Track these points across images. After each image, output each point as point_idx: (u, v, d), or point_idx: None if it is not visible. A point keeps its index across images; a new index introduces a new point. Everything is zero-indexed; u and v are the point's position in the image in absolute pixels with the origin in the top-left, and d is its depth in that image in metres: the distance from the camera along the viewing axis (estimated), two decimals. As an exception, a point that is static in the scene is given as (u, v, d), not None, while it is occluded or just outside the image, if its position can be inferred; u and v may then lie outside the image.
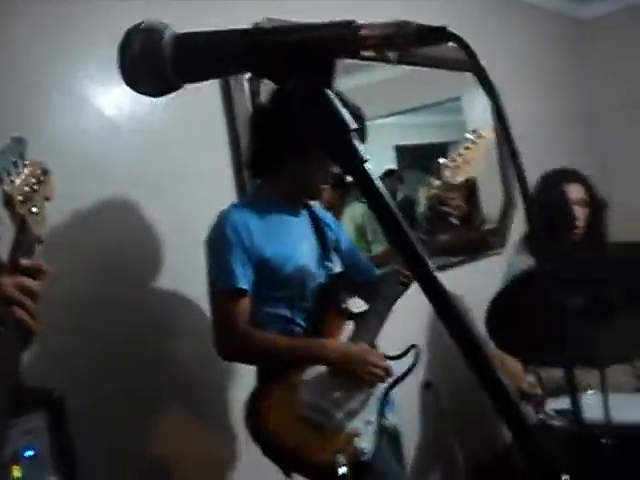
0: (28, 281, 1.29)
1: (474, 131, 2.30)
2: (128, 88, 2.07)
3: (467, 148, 2.25)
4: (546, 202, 3.20)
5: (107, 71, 2.36)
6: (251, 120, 2.34)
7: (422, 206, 2.25)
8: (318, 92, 0.63)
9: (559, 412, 2.63)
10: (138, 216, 2.40)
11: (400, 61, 3.47)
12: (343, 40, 0.63)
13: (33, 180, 1.44)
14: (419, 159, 4.20)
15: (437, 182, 2.23)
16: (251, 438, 2.10)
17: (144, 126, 2.45)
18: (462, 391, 3.55)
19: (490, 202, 4.25)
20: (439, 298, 0.63)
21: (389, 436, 2.27)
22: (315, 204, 2.44)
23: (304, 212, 2.36)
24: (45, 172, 1.50)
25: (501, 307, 2.23)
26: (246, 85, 2.78)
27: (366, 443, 2.08)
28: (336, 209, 3.33)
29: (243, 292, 2.10)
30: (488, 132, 2.30)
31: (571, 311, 2.18)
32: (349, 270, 2.41)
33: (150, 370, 2.36)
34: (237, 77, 2.70)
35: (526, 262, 3.23)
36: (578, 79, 5.43)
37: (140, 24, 0.67)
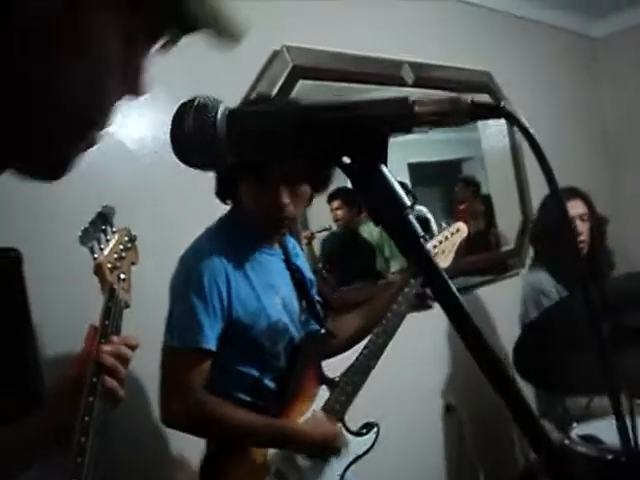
0: (123, 348, 1.30)
1: (451, 225, 2.47)
2: (143, 118, 2.05)
3: (446, 238, 2.40)
4: (549, 220, 3.33)
5: (125, 103, 2.38)
6: None
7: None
8: (373, 169, 0.63)
9: (584, 438, 2.61)
10: (161, 248, 2.37)
11: (416, 85, 3.49)
12: (398, 117, 0.63)
13: (121, 247, 1.46)
14: (433, 176, 4.20)
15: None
16: None
17: (165, 156, 2.45)
18: (484, 414, 3.55)
19: (507, 223, 4.25)
20: (460, 317, 0.62)
21: None
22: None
23: (277, 248, 2.14)
24: (132, 239, 1.52)
25: (531, 338, 2.29)
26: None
27: None
28: (352, 227, 3.35)
29: (208, 353, 1.86)
30: (463, 228, 2.47)
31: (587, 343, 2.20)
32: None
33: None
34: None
35: (546, 280, 3.27)
36: (592, 97, 5.43)
37: (194, 100, 0.67)
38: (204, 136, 0.66)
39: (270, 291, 2.02)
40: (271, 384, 2.03)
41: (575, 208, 3.40)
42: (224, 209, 2.09)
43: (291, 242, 2.25)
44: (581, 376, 2.43)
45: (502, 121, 2.74)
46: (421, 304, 2.24)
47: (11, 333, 1.25)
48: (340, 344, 2.28)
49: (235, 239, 1.98)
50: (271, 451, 1.97)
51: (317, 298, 2.29)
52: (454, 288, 0.64)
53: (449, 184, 4.36)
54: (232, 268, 1.92)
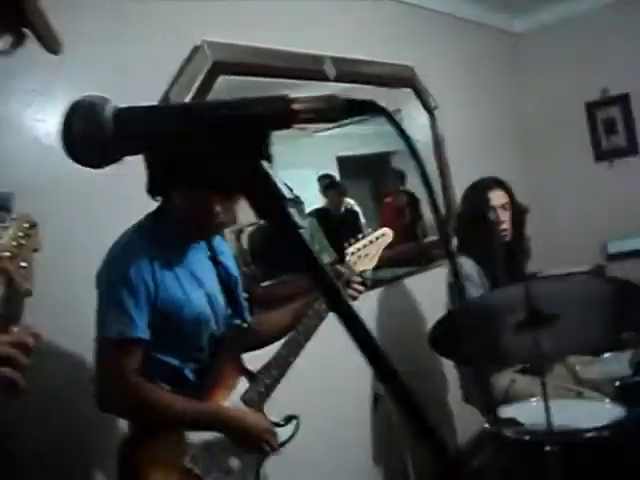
0: (26, 337, 1.27)
1: (376, 229, 2.55)
2: (60, 110, 2.04)
3: (371, 242, 2.47)
4: (472, 209, 3.46)
5: (40, 98, 2.35)
6: None
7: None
8: (254, 165, 0.66)
9: (504, 421, 2.70)
10: (73, 243, 2.34)
11: (338, 80, 3.53)
12: (276, 115, 0.66)
13: (20, 234, 1.43)
14: (361, 169, 4.26)
15: (342, 267, 2.36)
16: None
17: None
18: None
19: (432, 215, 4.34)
20: (336, 302, 0.66)
21: None
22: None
23: (203, 245, 2.19)
24: (32, 225, 1.49)
25: (448, 326, 2.40)
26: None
27: None
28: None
29: (140, 341, 1.92)
30: (389, 233, 2.54)
31: (513, 325, 2.33)
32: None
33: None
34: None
35: (469, 266, 3.39)
36: (514, 91, 5.59)
37: (82, 100, 0.69)
38: (92, 136, 0.67)
39: (195, 284, 2.08)
40: (191, 375, 2.08)
41: (498, 198, 3.50)
42: (147, 205, 2.10)
43: (217, 239, 2.28)
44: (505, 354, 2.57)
45: (427, 116, 2.85)
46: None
47: None
48: (264, 338, 2.33)
49: (162, 234, 2.03)
50: (190, 438, 2.00)
51: (243, 295, 2.34)
52: (331, 276, 0.68)
53: (377, 177, 4.43)
54: (158, 261, 1.98)
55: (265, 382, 2.14)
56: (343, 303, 0.69)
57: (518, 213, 3.57)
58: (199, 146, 0.68)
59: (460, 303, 3.17)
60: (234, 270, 2.32)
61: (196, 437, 2.01)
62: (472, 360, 2.70)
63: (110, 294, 1.94)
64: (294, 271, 3.25)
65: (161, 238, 2.03)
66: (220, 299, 2.18)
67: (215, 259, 2.21)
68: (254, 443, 2.07)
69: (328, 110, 0.67)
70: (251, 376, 2.16)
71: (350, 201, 4.13)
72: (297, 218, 0.67)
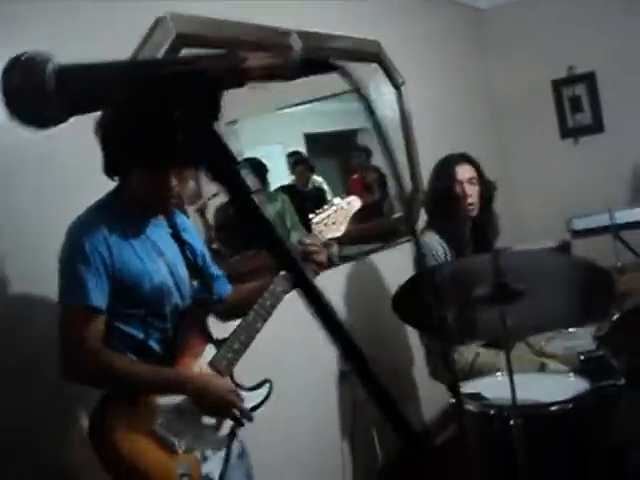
0: None
1: (344, 198, 2.52)
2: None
3: (336, 211, 2.44)
4: (439, 183, 3.47)
5: None
6: (98, 125, 2.01)
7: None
8: (204, 124, 0.63)
9: (469, 396, 2.72)
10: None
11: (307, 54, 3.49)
12: (229, 72, 0.63)
13: None
14: (329, 147, 4.24)
15: (307, 237, 2.35)
16: (95, 452, 1.99)
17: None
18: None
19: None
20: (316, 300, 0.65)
21: (238, 456, 2.23)
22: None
23: (162, 220, 2.22)
24: None
25: (412, 289, 2.40)
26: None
27: (213, 468, 2.08)
28: (258, 196, 3.36)
29: (96, 310, 1.96)
30: (357, 200, 2.52)
31: (479, 298, 2.33)
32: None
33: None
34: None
35: (436, 241, 3.40)
36: (480, 66, 5.59)
37: (22, 55, 0.65)
38: (31, 91, 0.64)
39: (154, 256, 2.12)
40: (156, 345, 2.11)
41: (464, 172, 3.50)
42: (101, 181, 2.10)
43: (180, 217, 2.32)
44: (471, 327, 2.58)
45: (394, 91, 2.84)
46: (308, 270, 2.29)
47: None
48: (233, 310, 2.35)
49: (120, 209, 2.08)
50: (159, 403, 2.03)
51: (217, 267, 2.41)
52: (290, 249, 0.66)
53: (345, 154, 4.41)
54: (115, 234, 2.02)
55: (232, 348, 2.15)
56: (304, 278, 0.67)
57: (486, 189, 3.57)
58: (147, 103, 0.64)
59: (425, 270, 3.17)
60: (199, 245, 2.35)
61: (167, 402, 2.03)
62: (434, 329, 2.70)
63: (66, 266, 1.99)
64: (257, 246, 3.25)
65: (119, 213, 2.07)
66: (183, 273, 2.21)
67: (177, 236, 2.24)
68: (217, 405, 2.07)
69: (283, 67, 0.64)
70: (218, 343, 2.18)
71: (318, 178, 4.12)
72: (248, 181, 0.65)
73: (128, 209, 2.09)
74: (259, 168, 3.41)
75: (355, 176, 4.49)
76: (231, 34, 3.07)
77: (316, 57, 0.64)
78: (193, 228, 2.41)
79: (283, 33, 3.41)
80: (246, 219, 0.65)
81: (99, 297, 1.96)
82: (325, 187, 4.15)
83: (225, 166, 0.63)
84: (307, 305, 0.67)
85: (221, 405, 2.07)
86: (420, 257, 3.43)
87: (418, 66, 4.52)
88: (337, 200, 2.49)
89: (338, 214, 2.43)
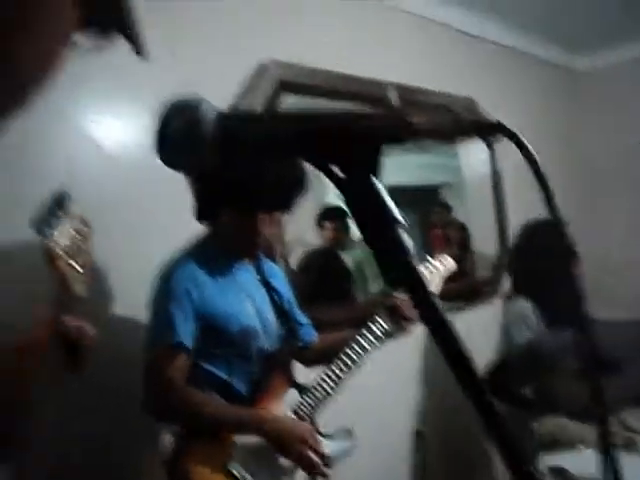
0: (85, 325, 1.25)
1: (439, 257, 2.54)
2: (125, 120, 2.07)
3: (431, 272, 2.46)
4: (550, 248, 3.30)
5: (103, 102, 2.35)
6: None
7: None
8: (365, 181, 0.60)
9: (552, 470, 2.60)
10: (129, 248, 2.32)
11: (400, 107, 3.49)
12: (396, 128, 0.61)
13: (75, 235, 1.39)
14: (410, 200, 4.20)
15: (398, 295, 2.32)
16: None
17: (142, 161, 2.40)
18: (453, 441, 3.53)
19: (484, 250, 4.25)
20: (443, 334, 0.60)
21: None
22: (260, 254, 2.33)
23: (250, 266, 2.27)
24: (87, 225, 1.45)
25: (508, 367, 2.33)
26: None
27: None
28: (339, 247, 3.37)
29: (184, 348, 2.00)
30: (452, 262, 2.54)
31: (570, 369, 2.25)
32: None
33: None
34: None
35: (528, 309, 3.27)
36: (574, 129, 5.49)
37: (180, 100, 0.64)
38: (189, 137, 0.62)
39: (242, 298, 2.16)
40: (240, 386, 2.14)
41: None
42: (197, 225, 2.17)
43: (267, 263, 2.37)
44: (559, 399, 2.47)
45: (484, 148, 2.80)
46: (398, 328, 2.32)
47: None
48: (317, 357, 2.37)
49: (209, 254, 2.14)
50: (236, 441, 2.04)
51: (302, 319, 2.44)
52: (441, 306, 0.62)
53: (426, 209, 4.37)
54: (204, 277, 2.07)
55: (316, 395, 2.16)
56: (450, 335, 0.62)
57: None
58: (304, 155, 0.62)
59: (514, 344, 3.08)
60: (286, 291, 2.38)
61: (245, 441, 2.04)
62: (523, 402, 2.61)
63: (157, 306, 2.04)
64: (336, 299, 3.25)
65: (209, 256, 2.13)
66: (270, 317, 2.24)
67: (265, 281, 2.28)
68: (294, 447, 2.04)
69: (451, 128, 0.61)
70: (301, 388, 2.19)
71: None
72: (407, 242, 0.63)
73: (218, 252, 2.14)
74: (342, 216, 3.40)
75: (437, 232, 4.43)
76: (331, 83, 3.09)
77: (485, 120, 0.62)
78: (281, 275, 2.44)
79: (380, 85, 3.42)
80: (406, 285, 0.62)
81: (187, 336, 2.00)
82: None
83: (384, 226, 0.60)
84: (437, 345, 0.63)
85: (298, 447, 2.04)
86: (508, 324, 3.34)
87: (510, 124, 4.46)
88: (432, 260, 2.48)
89: (434, 275, 2.42)
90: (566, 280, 3.16)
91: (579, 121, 5.55)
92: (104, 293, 2.28)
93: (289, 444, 2.03)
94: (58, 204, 1.37)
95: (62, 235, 1.35)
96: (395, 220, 0.60)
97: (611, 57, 5.40)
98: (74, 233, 1.39)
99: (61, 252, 1.32)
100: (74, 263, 1.35)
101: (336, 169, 0.61)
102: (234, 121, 0.64)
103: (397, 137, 0.61)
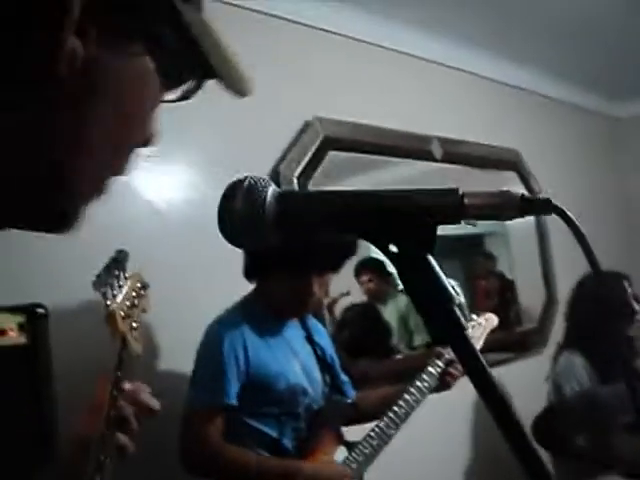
0: (143, 394, 1.26)
1: (481, 314, 2.58)
2: (176, 178, 2.12)
3: (474, 327, 2.48)
4: (606, 298, 3.25)
5: (154, 159, 2.41)
6: None
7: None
8: (420, 258, 0.63)
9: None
10: (178, 309, 2.35)
11: (444, 160, 3.52)
12: (447, 208, 0.63)
13: (133, 294, 1.43)
14: (452, 249, 4.18)
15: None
16: None
17: (191, 217, 2.46)
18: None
19: (530, 300, 4.21)
20: (498, 407, 0.61)
21: None
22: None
23: (296, 322, 2.31)
24: (144, 286, 1.49)
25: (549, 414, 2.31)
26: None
27: None
28: (380, 299, 3.36)
29: (227, 407, 2.02)
30: (494, 318, 2.58)
31: (624, 426, 2.21)
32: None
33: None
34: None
35: (580, 363, 3.20)
36: (616, 177, 5.45)
37: (244, 179, 0.68)
38: (252, 217, 0.65)
39: (289, 356, 2.17)
40: (289, 444, 2.13)
41: (629, 289, 3.37)
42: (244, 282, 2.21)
43: (311, 320, 2.40)
44: (614, 453, 2.42)
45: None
46: (442, 384, 2.31)
47: (32, 389, 1.24)
48: (362, 415, 2.35)
49: (256, 312, 2.17)
50: None
51: (343, 377, 2.43)
52: (495, 382, 0.63)
53: (468, 258, 4.35)
54: (251, 335, 2.09)
55: (364, 452, 2.15)
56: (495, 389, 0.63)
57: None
58: (360, 234, 0.65)
59: (565, 395, 3.02)
60: (330, 349, 2.40)
61: None
62: (576, 451, 2.55)
63: (201, 367, 2.07)
64: (376, 354, 3.25)
65: (254, 315, 2.15)
66: (316, 374, 2.26)
67: (310, 338, 2.31)
68: None
69: (502, 207, 0.63)
70: (350, 446, 2.18)
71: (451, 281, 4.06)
72: (463, 320, 0.64)
73: (265, 311, 2.17)
74: (380, 267, 3.40)
75: (481, 281, 4.40)
76: (375, 139, 3.14)
77: (536, 197, 0.64)
78: (324, 332, 2.46)
79: (424, 139, 3.46)
80: (460, 359, 0.63)
81: (231, 394, 2.01)
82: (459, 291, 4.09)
83: (439, 304, 0.62)
84: (483, 401, 0.64)
85: None
86: (558, 376, 3.27)
87: (556, 175, 4.44)
88: (475, 316, 2.49)
89: (475, 330, 2.43)
90: (618, 335, 3.10)
91: (623, 167, 5.51)
92: (154, 350, 2.32)
93: None
94: (117, 265, 1.41)
95: (122, 296, 1.38)
96: (450, 298, 0.62)
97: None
98: (133, 293, 1.42)
99: (122, 313, 1.35)
100: (134, 323, 1.39)
101: (391, 245, 0.63)
102: (294, 200, 0.67)
103: (450, 217, 0.63)
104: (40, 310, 1.44)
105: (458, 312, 0.62)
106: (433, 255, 0.63)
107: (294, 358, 2.19)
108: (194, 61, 0.59)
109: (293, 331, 2.27)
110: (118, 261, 1.43)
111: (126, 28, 0.54)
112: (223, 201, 0.67)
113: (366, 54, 3.33)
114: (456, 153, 3.60)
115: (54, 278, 2.05)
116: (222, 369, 2.00)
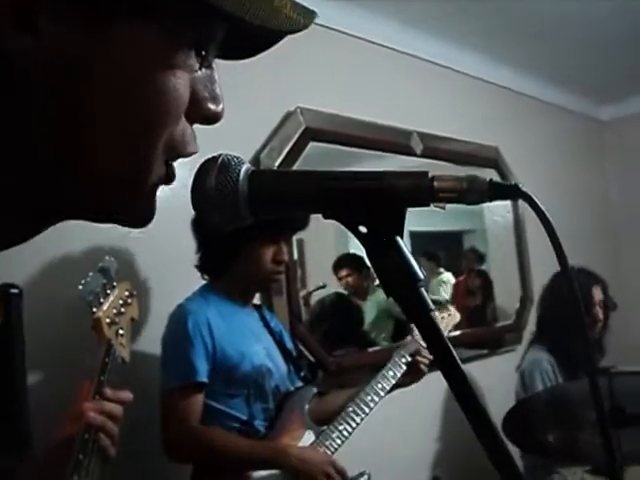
0: (112, 406, 1.28)
1: (444, 310, 2.62)
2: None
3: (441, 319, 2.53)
4: (571, 301, 3.27)
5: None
6: (192, 224, 2.24)
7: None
8: (389, 240, 0.64)
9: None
10: (162, 298, 2.36)
11: (424, 155, 3.53)
12: (417, 191, 0.64)
13: (120, 302, 1.45)
14: (433, 246, 4.21)
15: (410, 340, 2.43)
16: None
17: (171, 206, 2.43)
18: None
19: (506, 298, 4.25)
20: (463, 390, 0.63)
21: None
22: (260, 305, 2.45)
23: (255, 313, 2.36)
24: (131, 294, 1.52)
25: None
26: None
27: None
28: (359, 294, 3.38)
29: (200, 385, 2.04)
30: (456, 314, 2.60)
31: (591, 421, 2.23)
32: None
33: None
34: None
35: (546, 359, 3.27)
36: (598, 179, 5.50)
37: (218, 157, 0.68)
38: (225, 195, 0.66)
39: (252, 340, 2.21)
40: (260, 425, 2.16)
41: (597, 294, 3.45)
42: None
43: (269, 313, 2.46)
44: (582, 450, 2.45)
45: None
46: (412, 373, 2.38)
47: (5, 369, 1.23)
48: (323, 417, 2.34)
49: (218, 298, 2.20)
50: (253, 476, 2.06)
51: (304, 370, 2.44)
52: (460, 363, 0.65)
53: (449, 255, 4.37)
54: (215, 317, 2.12)
55: (331, 436, 2.17)
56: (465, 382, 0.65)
57: (609, 310, 3.49)
58: (330, 214, 0.65)
59: (535, 391, 3.07)
60: (289, 342, 2.45)
61: (262, 475, 2.06)
62: (545, 450, 2.58)
63: (170, 350, 2.10)
64: (349, 344, 3.26)
65: (218, 300, 2.19)
66: (279, 360, 2.30)
67: (270, 328, 2.35)
68: (312, 476, 2.05)
69: (470, 191, 0.64)
70: (317, 431, 2.22)
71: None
72: (428, 300, 0.65)
73: (223, 296, 2.21)
74: (358, 263, 3.41)
75: (461, 278, 4.43)
76: (356, 131, 3.15)
77: (505, 182, 0.65)
78: (282, 327, 2.49)
79: (404, 133, 3.47)
80: (425, 338, 0.65)
81: (203, 373, 2.04)
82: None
83: (406, 284, 0.63)
84: (452, 390, 0.65)
85: (319, 477, 2.05)
86: (525, 371, 3.33)
87: (535, 174, 4.48)
88: (437, 312, 2.51)
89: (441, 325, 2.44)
90: (581, 331, 3.11)
91: (604, 169, 5.56)
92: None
93: (306, 473, 2.04)
94: (104, 273, 1.43)
95: (109, 303, 1.41)
96: (417, 279, 0.63)
97: (635, 106, 5.43)
98: (120, 301, 1.45)
99: (109, 320, 1.38)
100: (120, 330, 1.41)
101: (360, 226, 0.64)
102: (267, 179, 0.68)
103: (420, 199, 0.64)
104: (14, 290, 1.43)
105: (424, 293, 0.63)
106: (402, 237, 0.64)
107: (257, 342, 2.23)
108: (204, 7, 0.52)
109: (253, 319, 2.31)
110: (105, 270, 1.45)
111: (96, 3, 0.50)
112: (196, 178, 0.68)
113: (350, 47, 3.33)
114: (436, 148, 3.62)
115: (29, 259, 2.04)
116: (190, 349, 2.03)
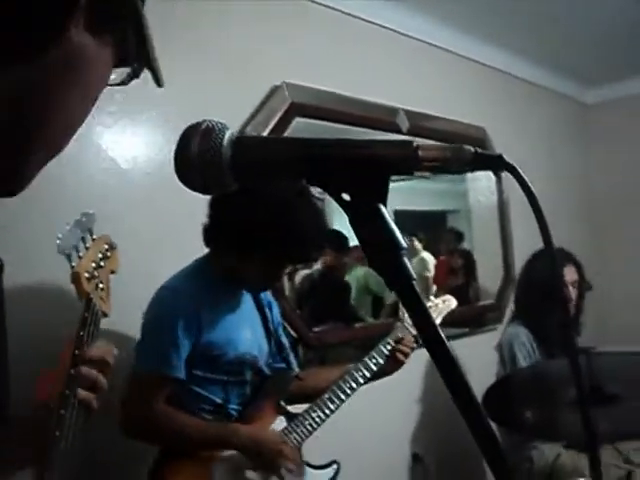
0: (106, 354, 1.28)
1: (439, 296, 2.60)
2: (141, 139, 2.10)
3: (431, 308, 2.51)
4: (542, 280, 3.31)
5: (121, 121, 2.40)
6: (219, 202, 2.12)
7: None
8: (372, 208, 0.64)
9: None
10: (147, 267, 2.33)
11: (410, 133, 3.53)
12: (401, 159, 0.64)
13: (100, 255, 1.43)
14: (417, 225, 4.22)
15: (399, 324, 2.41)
16: None
17: (157, 177, 2.44)
18: (451, 464, 3.53)
19: (489, 278, 4.27)
20: (445, 361, 0.63)
21: None
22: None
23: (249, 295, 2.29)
24: (111, 246, 1.49)
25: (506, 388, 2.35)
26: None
27: None
28: (338, 272, 3.38)
29: (175, 381, 2.00)
30: (453, 300, 2.60)
31: (569, 399, 2.26)
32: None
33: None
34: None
35: (525, 335, 3.32)
36: (582, 161, 5.52)
37: (202, 123, 0.68)
38: (208, 159, 0.66)
39: (240, 324, 2.15)
40: (234, 410, 2.14)
41: (570, 274, 3.46)
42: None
43: (267, 295, 2.39)
44: (559, 427, 2.49)
45: (492, 176, 2.83)
46: (392, 362, 2.37)
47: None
48: (309, 391, 2.33)
49: (211, 280, 2.11)
50: (217, 457, 2.05)
51: (288, 338, 2.47)
52: (442, 333, 0.65)
53: (432, 234, 4.38)
54: (205, 304, 2.05)
55: (304, 423, 2.17)
56: (449, 357, 0.65)
57: (582, 291, 3.51)
58: (314, 181, 0.65)
59: (516, 369, 3.11)
60: (278, 320, 2.40)
61: (225, 455, 2.05)
62: (524, 426, 2.62)
63: (152, 331, 2.02)
64: (337, 320, 3.28)
65: (206, 283, 2.10)
66: (264, 342, 2.26)
67: (261, 307, 2.30)
68: (266, 456, 2.05)
69: (454, 160, 0.64)
70: (290, 416, 2.21)
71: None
72: (410, 268, 0.65)
73: (216, 278, 2.13)
74: (341, 240, 3.41)
75: (442, 258, 4.44)
76: (342, 107, 3.13)
77: (489, 153, 0.64)
78: (275, 305, 2.43)
79: (391, 111, 3.47)
80: (407, 307, 0.65)
81: (178, 369, 1.98)
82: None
83: (389, 252, 0.63)
84: (434, 361, 0.65)
85: (270, 456, 2.05)
86: (504, 348, 3.37)
87: (520, 154, 4.47)
88: (433, 298, 2.51)
89: (432, 311, 2.44)
90: (558, 310, 3.18)
91: (587, 153, 5.59)
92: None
93: (260, 453, 2.04)
94: (82, 227, 1.41)
95: (87, 257, 1.39)
96: (399, 246, 0.63)
97: (619, 90, 5.44)
98: (99, 255, 1.43)
99: (87, 274, 1.36)
100: (100, 283, 1.40)
101: (344, 194, 0.64)
102: (250, 145, 0.68)
103: (404, 168, 0.64)
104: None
105: (407, 262, 0.63)
106: (385, 205, 0.64)
107: (245, 326, 2.17)
108: (139, 52, 0.71)
109: (245, 298, 2.24)
110: (83, 223, 1.43)
111: (104, 21, 0.63)
112: (180, 142, 0.67)
113: (338, 24, 3.31)
114: (422, 127, 3.61)
115: (13, 233, 2.03)
116: (174, 342, 1.97)
